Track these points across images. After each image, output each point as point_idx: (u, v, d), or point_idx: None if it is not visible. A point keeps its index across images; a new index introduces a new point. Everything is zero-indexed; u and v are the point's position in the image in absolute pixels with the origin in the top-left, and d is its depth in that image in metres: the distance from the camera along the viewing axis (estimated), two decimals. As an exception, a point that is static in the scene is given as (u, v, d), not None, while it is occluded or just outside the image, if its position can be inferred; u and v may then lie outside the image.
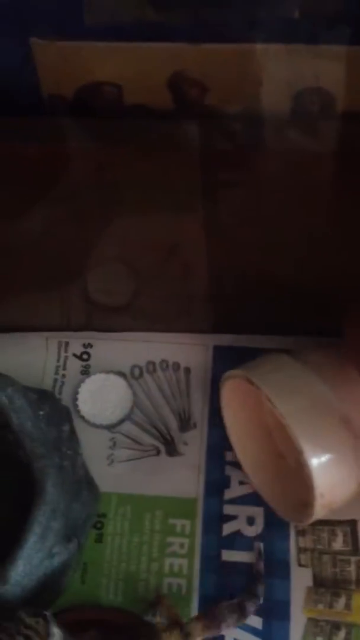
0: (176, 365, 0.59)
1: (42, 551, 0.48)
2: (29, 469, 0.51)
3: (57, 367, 0.60)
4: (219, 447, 0.55)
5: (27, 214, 0.54)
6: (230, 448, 0.54)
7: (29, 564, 0.47)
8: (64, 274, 0.59)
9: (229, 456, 0.55)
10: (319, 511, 0.43)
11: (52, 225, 0.55)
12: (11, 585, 0.46)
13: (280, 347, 0.52)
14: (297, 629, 0.48)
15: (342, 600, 0.48)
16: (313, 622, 0.48)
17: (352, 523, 0.51)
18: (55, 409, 0.56)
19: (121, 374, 0.59)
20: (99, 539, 0.53)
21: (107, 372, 0.59)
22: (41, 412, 0.54)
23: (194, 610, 0.50)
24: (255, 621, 0.49)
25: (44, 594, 0.49)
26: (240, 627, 0.48)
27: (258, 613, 0.48)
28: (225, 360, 0.58)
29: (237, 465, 0.54)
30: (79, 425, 0.57)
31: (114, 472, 0.55)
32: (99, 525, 0.53)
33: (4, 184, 0.50)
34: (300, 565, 0.50)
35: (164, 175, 0.48)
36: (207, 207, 0.52)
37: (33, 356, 0.60)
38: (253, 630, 0.49)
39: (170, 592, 0.51)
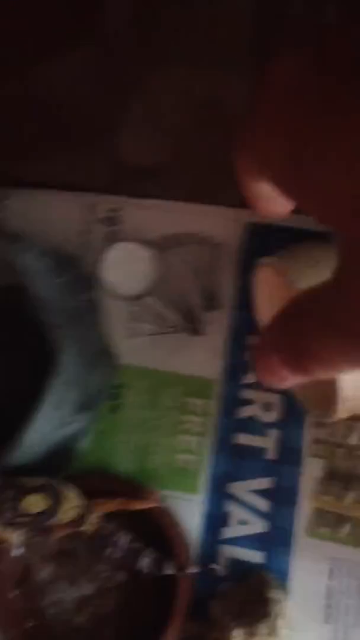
0: (206, 240, 0.56)
1: (56, 420, 0.48)
2: (45, 338, 0.50)
3: (81, 231, 0.57)
4: (242, 330, 0.53)
5: (56, 58, 0.49)
6: (253, 333, 0.52)
7: (42, 431, 0.47)
8: (93, 128, 0.55)
9: (251, 341, 0.53)
10: (342, 412, 0.42)
11: (83, 72, 0.50)
12: (23, 451, 0.47)
13: (316, 229, 0.48)
14: (302, 516, 0.48)
15: (351, 495, 0.48)
16: (319, 512, 0.48)
17: (371, 420, 0.49)
18: (76, 276, 0.54)
19: (148, 243, 0.56)
20: (114, 410, 0.53)
21: (134, 240, 0.56)
22: (60, 279, 0.52)
23: (202, 486, 0.50)
24: (262, 505, 0.49)
25: (56, 461, 0.50)
26: (249, 509, 0.49)
27: (266, 496, 0.49)
28: (259, 239, 0.54)
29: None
30: (100, 294, 0.55)
31: (133, 345, 0.54)
32: (115, 396, 0.53)
33: (35, 23, 0.45)
34: (313, 455, 0.50)
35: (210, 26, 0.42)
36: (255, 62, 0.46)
37: (56, 217, 0.57)
38: (260, 513, 0.49)
39: (180, 468, 0.51)
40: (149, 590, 0.48)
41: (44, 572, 0.49)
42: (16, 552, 0.47)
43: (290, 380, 0.24)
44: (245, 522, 0.50)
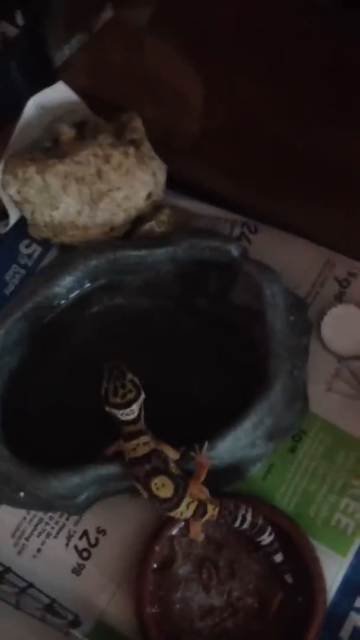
0: None
1: (249, 438, 0.51)
2: (260, 361, 0.53)
3: (316, 282, 0.61)
4: None
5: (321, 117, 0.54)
6: None
7: (235, 443, 0.51)
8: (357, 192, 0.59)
9: None
10: None
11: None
12: (214, 455, 0.50)
13: None
14: None
15: None
16: None
17: None
18: (303, 319, 0.57)
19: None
20: (292, 450, 0.55)
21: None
22: (291, 317, 0.56)
23: (352, 551, 0.52)
24: None
25: (230, 474, 0.53)
26: None
27: None
28: None
29: None
30: (313, 342, 0.58)
31: (327, 399, 0.57)
32: (297, 438, 0.56)
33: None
34: None
35: None
36: None
37: (299, 262, 0.61)
38: None
39: (337, 527, 0.53)
40: (274, 623, 0.50)
41: (184, 569, 0.52)
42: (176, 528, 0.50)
43: None
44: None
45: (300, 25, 0.67)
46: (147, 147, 0.57)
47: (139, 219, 0.59)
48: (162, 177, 0.58)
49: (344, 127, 0.61)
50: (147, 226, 0.58)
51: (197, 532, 0.51)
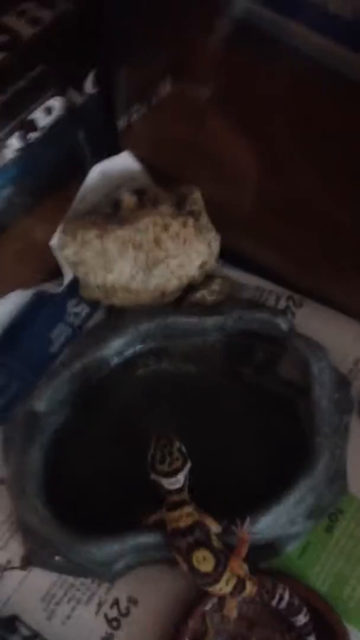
0: None
1: (289, 515, 0.51)
2: (303, 438, 0.54)
3: (358, 360, 0.61)
4: None
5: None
6: None
7: (276, 520, 0.51)
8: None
9: None
10: None
11: None
12: (255, 530, 0.50)
13: None
14: None
15: None
16: None
17: None
18: (346, 397, 0.58)
19: None
20: (329, 530, 0.55)
21: None
22: (336, 395, 0.56)
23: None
24: None
25: (267, 550, 0.53)
26: None
27: None
28: None
29: None
30: (353, 421, 0.58)
31: (366, 479, 0.57)
32: (333, 517, 0.55)
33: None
34: None
35: None
36: None
37: (342, 339, 0.62)
38: None
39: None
40: None
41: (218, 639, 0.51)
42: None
43: None
44: None
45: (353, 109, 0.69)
46: (204, 218, 0.58)
47: (190, 287, 0.60)
48: (216, 248, 0.60)
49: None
50: (199, 294, 0.59)
51: (232, 609, 0.50)
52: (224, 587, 0.48)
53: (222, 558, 0.48)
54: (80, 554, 0.48)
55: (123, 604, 0.52)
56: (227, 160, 0.67)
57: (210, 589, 0.48)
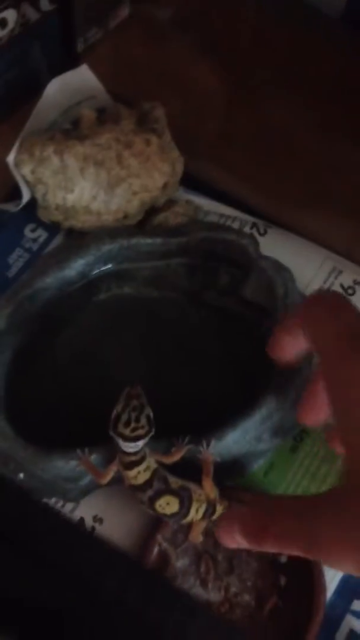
0: None
1: (256, 431, 0.51)
2: (269, 357, 0.53)
3: (321, 288, 0.61)
4: None
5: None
6: None
7: (244, 435, 0.50)
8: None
9: None
10: None
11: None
12: (221, 446, 0.50)
13: None
14: None
15: None
16: None
17: None
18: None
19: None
20: (294, 450, 0.55)
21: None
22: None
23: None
24: None
25: (234, 468, 0.53)
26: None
27: None
28: None
29: None
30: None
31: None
32: (298, 438, 0.56)
33: None
34: None
35: None
36: None
37: (307, 266, 0.61)
38: None
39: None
40: (272, 621, 0.49)
41: (181, 562, 0.51)
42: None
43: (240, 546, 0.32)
44: (379, 604, 0.51)
45: (332, 43, 0.69)
46: (167, 137, 0.57)
47: (153, 210, 0.58)
48: (180, 169, 0.58)
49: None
50: (162, 217, 0.57)
51: (198, 534, 0.50)
52: (195, 516, 0.47)
53: (185, 495, 0.47)
54: (46, 470, 0.47)
55: (88, 522, 0.52)
56: (191, 84, 0.66)
57: (184, 522, 0.48)
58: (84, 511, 0.52)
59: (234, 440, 0.50)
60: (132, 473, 0.46)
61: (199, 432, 0.50)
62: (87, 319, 0.56)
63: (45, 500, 0.52)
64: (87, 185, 0.56)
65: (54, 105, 0.58)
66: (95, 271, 0.56)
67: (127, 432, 0.45)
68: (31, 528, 0.27)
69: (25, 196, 0.57)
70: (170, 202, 0.59)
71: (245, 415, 0.50)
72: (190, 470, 0.48)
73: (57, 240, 0.61)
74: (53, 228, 0.60)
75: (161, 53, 0.65)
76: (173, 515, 0.47)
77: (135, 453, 0.46)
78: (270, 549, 0.30)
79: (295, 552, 0.28)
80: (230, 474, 0.53)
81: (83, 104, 0.58)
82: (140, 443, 0.45)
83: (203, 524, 0.49)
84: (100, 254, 0.55)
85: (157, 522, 0.51)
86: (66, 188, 0.56)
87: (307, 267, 0.62)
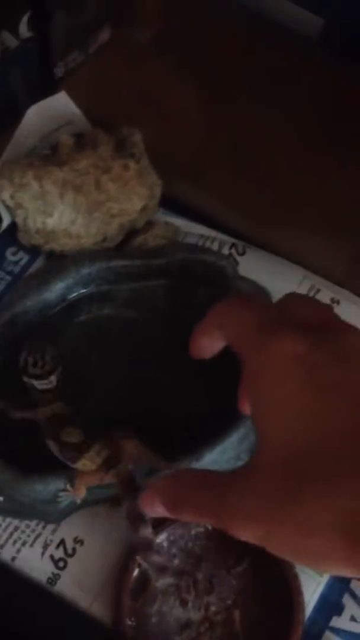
0: None
1: (234, 451, 0.52)
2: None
3: (299, 305, 0.62)
4: None
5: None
6: None
7: (222, 455, 0.51)
8: (349, 220, 0.62)
9: None
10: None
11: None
12: (199, 466, 0.50)
13: None
14: None
15: None
16: None
17: None
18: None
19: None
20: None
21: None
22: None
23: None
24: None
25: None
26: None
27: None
28: None
29: None
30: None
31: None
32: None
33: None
34: None
35: None
36: None
37: (283, 285, 0.62)
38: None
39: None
40: (254, 638, 0.50)
41: (162, 582, 0.51)
42: None
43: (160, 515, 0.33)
44: (357, 620, 0.51)
45: (310, 64, 0.70)
46: (145, 161, 0.58)
47: (131, 232, 0.59)
48: (158, 192, 0.59)
49: (339, 160, 0.64)
50: (141, 238, 0.58)
51: (82, 487, 0.48)
52: (95, 458, 0.47)
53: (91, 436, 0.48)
54: (25, 493, 0.48)
55: (69, 544, 0.52)
56: (168, 107, 0.67)
57: (81, 464, 0.47)
58: (65, 533, 0.52)
59: (213, 460, 0.51)
60: (46, 410, 0.49)
61: (181, 449, 0.51)
62: (68, 340, 0.57)
63: (26, 521, 0.52)
64: (66, 209, 0.57)
65: (33, 131, 0.59)
66: (75, 294, 0.57)
67: (37, 371, 0.48)
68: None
69: (6, 220, 0.58)
70: (150, 224, 0.60)
71: (222, 436, 0.50)
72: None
73: (38, 263, 0.62)
74: (34, 251, 0.61)
75: (140, 76, 0.67)
76: (74, 445, 0.47)
77: (51, 391, 0.48)
78: (186, 519, 0.32)
79: (209, 524, 0.30)
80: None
81: (62, 129, 0.59)
82: (53, 378, 0.49)
83: (94, 479, 0.48)
84: (79, 276, 0.56)
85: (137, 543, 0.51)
86: (45, 212, 0.57)
87: (286, 286, 0.62)
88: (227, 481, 0.30)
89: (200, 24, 0.71)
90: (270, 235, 0.65)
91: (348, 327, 0.31)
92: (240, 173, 0.66)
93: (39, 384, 0.49)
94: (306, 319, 0.31)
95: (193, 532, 0.52)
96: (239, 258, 0.64)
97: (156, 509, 0.33)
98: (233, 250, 0.64)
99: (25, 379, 0.49)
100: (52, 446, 0.48)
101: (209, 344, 0.37)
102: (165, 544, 0.52)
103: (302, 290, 0.63)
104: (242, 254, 0.64)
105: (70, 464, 0.47)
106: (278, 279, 0.62)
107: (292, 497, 0.27)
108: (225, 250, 0.64)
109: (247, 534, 0.29)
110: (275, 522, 0.28)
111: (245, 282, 0.57)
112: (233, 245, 0.64)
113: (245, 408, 0.41)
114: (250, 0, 0.74)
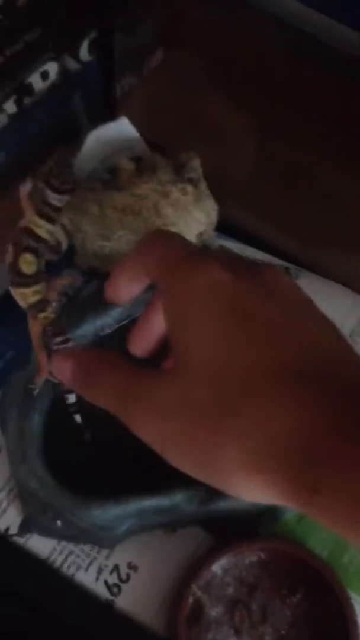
0: None
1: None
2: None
3: (353, 332, 0.62)
4: None
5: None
6: None
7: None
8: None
9: None
10: None
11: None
12: (224, 503, 0.50)
13: None
14: None
15: None
16: None
17: None
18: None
19: None
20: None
21: None
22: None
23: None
24: None
25: (267, 515, 0.53)
26: None
27: None
28: None
29: None
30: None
31: None
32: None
33: None
34: None
35: None
36: None
37: (338, 311, 0.62)
38: None
39: None
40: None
41: (216, 610, 0.51)
42: None
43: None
44: None
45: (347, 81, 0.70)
46: (203, 186, 0.58)
47: (188, 256, 0.59)
48: (214, 217, 0.59)
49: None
50: (197, 263, 0.58)
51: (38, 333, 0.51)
52: (30, 296, 0.50)
53: (45, 276, 0.51)
54: (83, 518, 0.48)
55: (123, 570, 0.52)
56: (222, 130, 0.67)
57: (19, 292, 0.50)
58: (119, 558, 0.52)
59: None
60: (40, 222, 0.51)
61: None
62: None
63: (81, 545, 0.52)
64: (124, 233, 0.57)
65: (93, 155, 0.59)
66: (130, 317, 0.57)
67: (57, 184, 0.50)
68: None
69: (64, 244, 0.59)
70: (205, 248, 0.60)
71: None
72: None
73: (93, 285, 0.62)
74: (90, 274, 0.62)
75: (193, 99, 0.67)
76: (25, 275, 0.50)
77: (57, 208, 0.50)
78: (88, 398, 0.31)
79: (112, 409, 0.30)
80: (264, 521, 0.53)
81: (121, 153, 0.60)
82: (64, 199, 0.51)
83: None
84: (135, 300, 0.56)
85: (192, 571, 0.51)
86: (104, 236, 0.57)
87: (340, 311, 0.62)
88: (146, 376, 0.30)
89: (250, 47, 0.71)
90: (323, 260, 0.65)
91: (270, 265, 0.32)
92: (294, 198, 0.66)
93: (52, 197, 0.50)
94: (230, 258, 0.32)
95: (247, 560, 0.52)
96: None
97: (66, 377, 0.33)
98: (286, 275, 0.64)
99: (41, 185, 0.50)
100: (9, 253, 0.50)
101: (127, 284, 0.35)
102: (219, 572, 0.52)
103: (355, 315, 0.62)
104: (296, 277, 0.64)
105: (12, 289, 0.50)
106: (331, 303, 0.62)
107: (204, 411, 0.27)
108: (279, 275, 0.63)
109: (147, 434, 0.29)
110: (183, 434, 0.28)
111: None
112: (287, 269, 0.64)
113: (138, 339, 0.38)
114: (294, 19, 0.74)
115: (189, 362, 0.28)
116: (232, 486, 0.27)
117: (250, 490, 0.26)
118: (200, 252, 0.31)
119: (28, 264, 0.49)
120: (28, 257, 0.49)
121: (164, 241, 0.33)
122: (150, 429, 0.29)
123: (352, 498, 0.24)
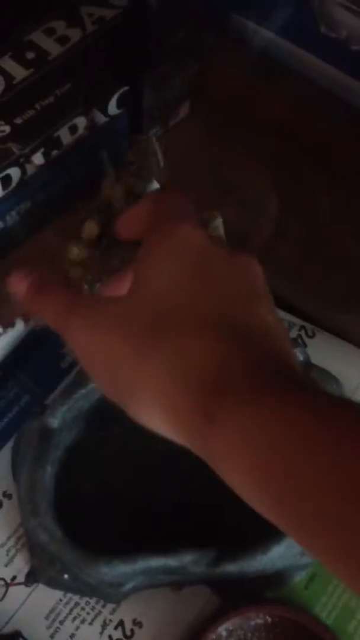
0: None
1: (297, 547, 0.51)
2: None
3: (368, 393, 0.62)
4: None
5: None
6: None
7: (289, 550, 0.51)
8: None
9: None
10: None
11: None
12: (266, 559, 0.50)
13: None
14: None
15: None
16: None
17: None
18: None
19: None
20: (335, 561, 0.55)
21: None
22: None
23: None
24: None
25: (276, 579, 0.53)
26: None
27: None
28: None
29: None
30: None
31: None
32: (340, 549, 0.55)
33: None
34: None
35: None
36: None
37: (352, 372, 0.62)
38: None
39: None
40: None
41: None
42: None
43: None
44: None
45: None
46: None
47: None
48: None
49: None
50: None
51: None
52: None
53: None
54: (91, 574, 0.48)
55: (128, 625, 0.52)
56: (243, 189, 0.68)
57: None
58: (124, 613, 0.52)
59: (280, 554, 0.50)
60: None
61: (245, 541, 0.51)
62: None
63: (86, 598, 0.52)
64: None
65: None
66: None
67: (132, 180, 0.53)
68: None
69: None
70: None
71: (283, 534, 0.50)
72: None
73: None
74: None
75: (216, 153, 0.68)
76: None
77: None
78: (36, 311, 0.35)
79: (54, 324, 0.34)
80: (272, 585, 0.53)
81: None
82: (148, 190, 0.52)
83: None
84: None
85: (199, 628, 0.51)
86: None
87: (354, 373, 0.62)
88: (92, 296, 0.35)
89: (275, 104, 0.73)
90: (339, 320, 0.65)
91: (250, 255, 0.34)
92: (311, 256, 0.67)
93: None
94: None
95: (252, 622, 0.52)
96: (308, 340, 0.64)
97: (20, 285, 0.36)
98: (302, 332, 0.64)
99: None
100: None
101: (136, 225, 0.37)
102: (224, 634, 0.51)
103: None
104: (312, 336, 0.64)
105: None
106: (346, 364, 0.63)
107: (137, 331, 0.30)
108: (294, 332, 0.64)
109: (79, 342, 0.32)
110: (111, 346, 0.30)
111: (316, 371, 0.57)
112: (302, 327, 0.64)
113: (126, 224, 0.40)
114: (317, 76, 0.75)
115: (141, 290, 0.31)
116: (137, 406, 0.30)
117: (151, 415, 0.29)
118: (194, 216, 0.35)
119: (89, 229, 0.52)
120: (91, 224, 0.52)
121: (163, 197, 0.37)
122: (83, 337, 0.32)
123: (241, 431, 0.26)
